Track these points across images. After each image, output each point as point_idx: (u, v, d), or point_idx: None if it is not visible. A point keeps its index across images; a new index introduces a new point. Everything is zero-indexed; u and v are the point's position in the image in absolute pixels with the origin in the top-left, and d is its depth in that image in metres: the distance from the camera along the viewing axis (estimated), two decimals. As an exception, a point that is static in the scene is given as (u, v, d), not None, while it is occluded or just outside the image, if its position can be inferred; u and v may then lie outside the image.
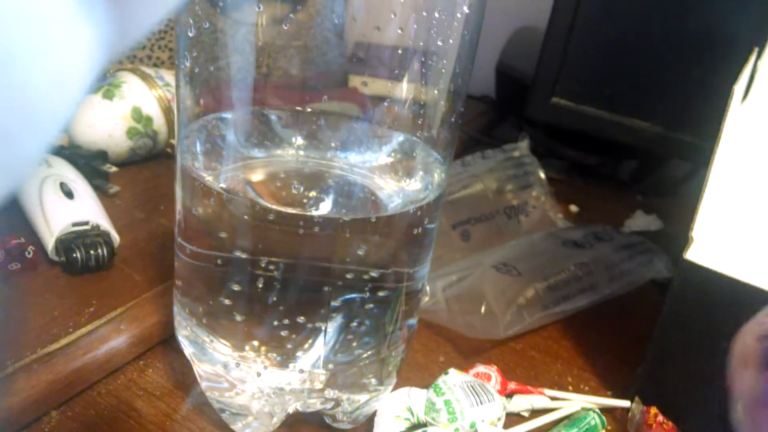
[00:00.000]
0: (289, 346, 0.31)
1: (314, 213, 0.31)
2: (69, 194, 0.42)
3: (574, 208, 0.65)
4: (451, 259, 0.47)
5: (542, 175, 0.58)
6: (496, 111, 0.80)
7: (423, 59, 0.30)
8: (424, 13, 0.27)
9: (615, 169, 0.75)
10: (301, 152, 0.35)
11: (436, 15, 0.27)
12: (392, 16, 0.28)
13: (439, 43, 0.29)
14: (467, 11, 0.27)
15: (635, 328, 0.48)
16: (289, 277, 0.31)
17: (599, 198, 0.70)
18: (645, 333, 0.39)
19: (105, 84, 0.53)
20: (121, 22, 0.13)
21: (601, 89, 0.60)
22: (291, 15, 0.31)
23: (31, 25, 0.11)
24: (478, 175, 0.53)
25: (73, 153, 0.49)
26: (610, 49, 0.59)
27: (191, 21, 0.28)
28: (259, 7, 0.28)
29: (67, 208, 0.42)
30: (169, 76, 0.56)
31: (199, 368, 0.34)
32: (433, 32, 0.28)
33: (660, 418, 0.37)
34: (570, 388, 0.42)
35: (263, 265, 0.30)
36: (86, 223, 0.41)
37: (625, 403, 0.40)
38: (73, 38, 0.12)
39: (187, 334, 0.34)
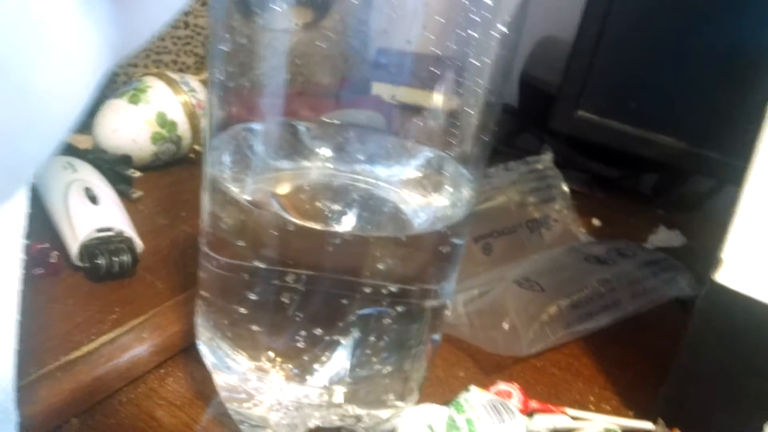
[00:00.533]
0: (309, 359, 0.31)
1: (338, 229, 0.31)
2: (94, 199, 0.42)
3: (596, 222, 0.64)
4: (473, 273, 0.47)
5: (565, 188, 0.58)
6: (518, 121, 0.79)
7: (457, 73, 0.29)
8: (463, 33, 0.27)
9: (636, 183, 0.74)
10: (329, 164, 0.35)
11: (474, 35, 0.27)
12: (427, 32, 0.28)
13: (474, 61, 0.28)
14: (505, 30, 0.27)
15: (657, 346, 0.47)
16: (312, 290, 0.30)
17: (621, 212, 0.69)
18: (667, 351, 0.39)
19: (131, 89, 0.53)
20: (125, 26, 0.13)
21: (626, 103, 0.59)
22: (318, 22, 0.31)
23: (34, 29, 0.11)
24: (500, 188, 0.53)
25: (97, 157, 0.49)
26: (637, 63, 0.59)
27: (226, 34, 0.28)
28: (296, 24, 0.28)
29: (92, 214, 0.42)
30: (194, 82, 0.56)
31: (219, 378, 0.34)
32: (470, 51, 0.28)
33: (684, 441, 0.36)
34: (591, 407, 0.41)
35: (287, 278, 0.30)
36: (110, 230, 0.41)
37: (648, 425, 0.39)
38: (77, 42, 0.12)
39: (208, 345, 0.33)
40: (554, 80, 0.64)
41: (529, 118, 0.78)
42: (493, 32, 0.27)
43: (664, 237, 0.63)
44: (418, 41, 0.29)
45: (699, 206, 0.72)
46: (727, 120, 0.56)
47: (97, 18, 0.12)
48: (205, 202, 0.32)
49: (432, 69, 0.30)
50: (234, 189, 0.31)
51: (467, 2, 0.28)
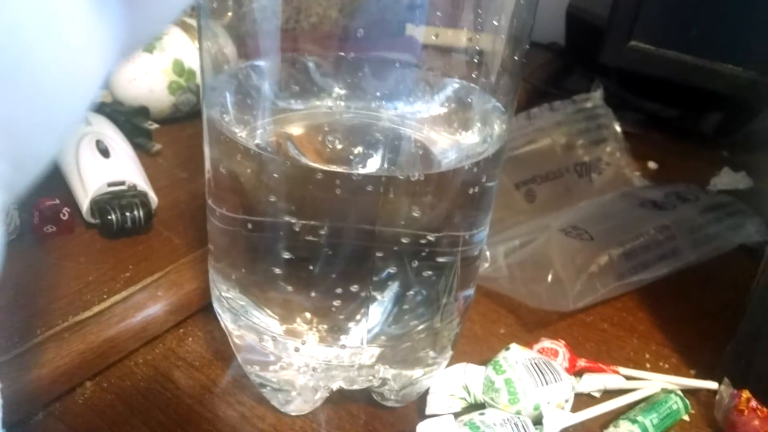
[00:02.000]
0: (335, 317, 0.29)
1: (361, 171, 0.27)
2: (105, 152, 0.40)
3: (652, 165, 0.59)
4: (514, 222, 0.43)
5: (618, 128, 0.53)
6: (565, 59, 0.74)
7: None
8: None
9: (697, 123, 0.68)
10: (343, 103, 0.31)
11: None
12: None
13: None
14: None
15: (722, 299, 0.43)
16: (332, 241, 0.27)
17: (680, 154, 0.63)
18: (733, 305, 0.35)
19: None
20: (134, 20, 0.13)
21: (685, 30, 0.53)
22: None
23: (47, 24, 0.11)
24: (545, 129, 0.49)
25: (113, 110, 0.47)
26: (698, -16, 0.53)
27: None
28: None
29: (103, 167, 0.39)
30: (214, 26, 0.53)
31: (237, 340, 0.31)
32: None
33: (753, 403, 0.32)
34: (647, 366, 0.37)
35: (303, 229, 0.27)
36: (122, 183, 0.39)
37: (712, 385, 0.35)
38: (88, 37, 0.12)
39: (223, 303, 0.31)
40: (604, 12, 0.58)
41: (578, 57, 0.72)
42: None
43: (728, 179, 0.57)
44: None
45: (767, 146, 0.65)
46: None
47: (107, 15, 0.12)
48: (206, 150, 0.29)
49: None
50: (239, 133, 0.28)
51: None
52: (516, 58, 0.28)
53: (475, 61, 0.28)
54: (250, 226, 0.28)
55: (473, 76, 0.29)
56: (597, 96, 0.53)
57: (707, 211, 0.46)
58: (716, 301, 0.43)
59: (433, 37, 0.27)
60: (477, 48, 0.28)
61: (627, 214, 0.44)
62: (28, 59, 0.11)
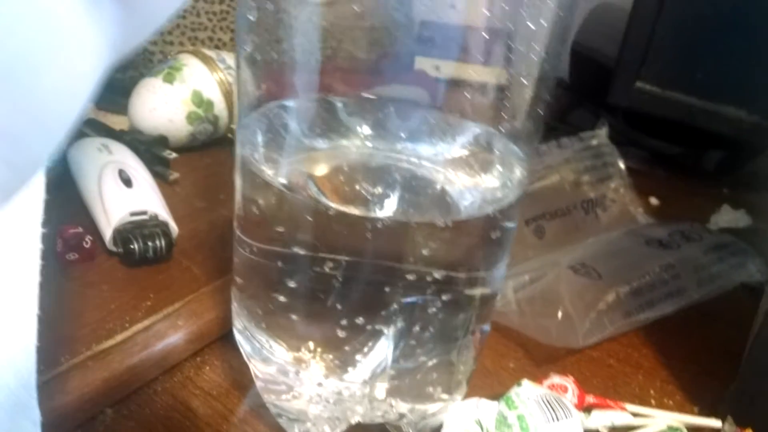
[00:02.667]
0: (349, 350, 0.29)
1: (379, 215, 0.28)
2: (128, 182, 0.41)
3: (654, 201, 0.61)
4: (524, 258, 0.44)
5: (622, 165, 0.54)
6: (570, 95, 0.75)
7: (507, 41, 0.26)
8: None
9: (699, 160, 0.70)
10: (368, 143, 0.32)
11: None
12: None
13: (530, 24, 0.25)
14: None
15: (724, 336, 0.43)
16: (351, 276, 0.28)
17: (682, 191, 0.65)
18: (735, 342, 0.36)
19: (166, 67, 0.52)
20: (127, 22, 0.13)
21: (691, 73, 0.55)
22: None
23: (39, 27, 0.11)
24: (553, 166, 0.50)
25: (133, 138, 0.48)
26: (704, 29, 0.54)
27: (253, 2, 0.26)
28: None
29: (126, 197, 0.40)
30: (230, 59, 0.54)
31: (256, 369, 0.32)
32: (523, 12, 0.25)
33: (758, 442, 0.33)
34: (653, 402, 0.38)
35: (325, 264, 0.28)
36: (144, 213, 0.40)
37: (716, 423, 0.36)
38: (81, 39, 0.12)
39: (244, 333, 0.32)
40: (610, 51, 0.60)
41: (583, 92, 0.73)
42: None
43: (728, 217, 0.59)
44: (464, 5, 0.26)
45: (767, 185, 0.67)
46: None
47: (100, 17, 0.12)
48: (238, 184, 0.30)
49: (480, 38, 0.27)
50: (267, 171, 0.29)
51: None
52: (539, 103, 0.29)
53: (501, 103, 0.29)
54: (278, 258, 0.29)
55: (497, 119, 0.30)
56: (602, 134, 0.55)
57: (711, 250, 0.47)
58: (719, 339, 0.43)
59: (438, 70, 0.28)
60: (504, 91, 0.29)
61: (633, 253, 0.45)
62: (21, 61, 0.11)
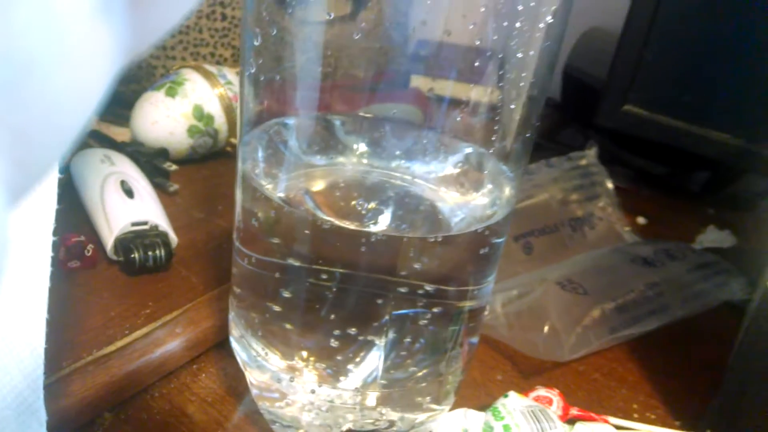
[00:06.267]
0: (342, 359, 0.30)
1: (373, 229, 0.30)
2: (129, 193, 0.42)
3: (641, 220, 0.62)
4: (512, 273, 0.45)
5: (610, 185, 0.55)
6: (561, 114, 0.77)
7: (499, 66, 0.28)
8: (505, 23, 0.26)
9: (686, 180, 0.72)
10: (364, 160, 0.34)
11: (518, 24, 0.26)
12: (468, 23, 0.26)
13: (519, 53, 0.27)
14: (551, 20, 0.26)
15: (706, 353, 0.45)
16: (345, 288, 0.30)
17: (668, 210, 0.66)
18: (717, 359, 0.37)
19: (168, 81, 0.53)
20: (138, 26, 0.13)
21: (678, 97, 0.56)
22: (357, 14, 0.30)
23: (50, 30, 0.11)
24: (542, 185, 0.51)
25: (135, 150, 0.49)
26: (690, 54, 0.56)
27: (257, 26, 0.28)
28: (330, 15, 0.27)
29: (127, 207, 0.42)
30: (231, 75, 0.55)
31: (251, 376, 0.33)
32: (513, 41, 0.26)
33: (736, 456, 0.34)
34: (635, 416, 0.39)
35: (320, 276, 0.29)
36: (145, 223, 0.41)
37: (697, 437, 0.37)
38: (92, 43, 0.12)
39: (240, 342, 0.33)
40: (600, 73, 0.61)
41: (573, 113, 0.75)
42: (538, 21, 0.26)
43: (713, 237, 0.60)
44: (458, 32, 0.28)
45: (752, 206, 0.68)
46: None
47: (112, 18, 0.12)
48: (238, 197, 0.32)
49: (473, 61, 0.28)
50: (266, 185, 0.30)
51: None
52: (529, 125, 0.30)
53: (492, 124, 0.31)
54: (276, 273, 0.30)
55: (488, 140, 0.31)
56: (592, 154, 0.56)
57: (695, 269, 0.48)
58: (702, 355, 0.45)
59: (435, 90, 0.30)
60: (494, 112, 0.30)
61: (619, 270, 0.46)
62: (33, 63, 0.11)
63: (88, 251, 0.39)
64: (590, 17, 0.74)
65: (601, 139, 0.64)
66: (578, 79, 0.71)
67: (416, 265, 0.29)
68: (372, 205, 0.32)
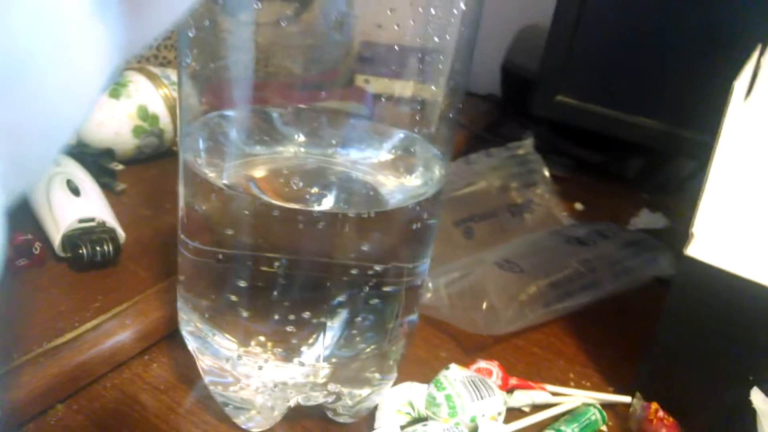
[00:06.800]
0: (292, 341, 0.32)
1: (316, 208, 0.31)
2: (76, 191, 0.43)
3: (579, 206, 0.65)
4: (454, 257, 0.47)
5: (546, 173, 0.58)
6: (502, 109, 0.80)
7: (421, 56, 0.30)
8: (420, 10, 0.28)
9: (621, 167, 0.75)
10: (303, 149, 0.35)
11: (433, 12, 0.28)
12: (388, 12, 0.28)
13: (436, 39, 0.29)
14: (464, 8, 0.28)
15: (638, 325, 0.47)
16: (291, 272, 0.31)
17: (605, 196, 0.69)
18: (648, 330, 0.39)
19: (112, 83, 0.54)
20: (134, 25, 0.13)
21: (606, 87, 0.60)
22: (292, 14, 0.32)
23: (47, 29, 0.11)
24: (481, 173, 0.54)
25: (80, 151, 0.50)
26: (616, 46, 0.59)
27: (191, 20, 0.29)
28: (258, 5, 0.28)
29: (74, 205, 0.42)
30: (175, 76, 0.56)
31: (203, 363, 0.34)
32: (430, 29, 0.28)
33: (661, 413, 0.37)
34: (572, 384, 0.42)
35: (265, 261, 0.31)
36: (92, 220, 0.41)
37: (627, 399, 0.40)
38: (88, 41, 0.12)
39: (190, 329, 0.34)
40: (535, 68, 0.64)
41: (513, 106, 0.78)
42: (452, 8, 0.28)
43: (646, 219, 0.63)
44: (387, 24, 0.30)
45: (682, 188, 0.72)
46: (707, 101, 0.56)
47: (107, 18, 0.12)
48: (181, 188, 0.33)
49: (400, 55, 0.30)
50: (210, 174, 0.31)
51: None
52: (452, 110, 0.32)
53: (418, 112, 0.33)
54: (220, 257, 0.31)
55: (416, 126, 0.33)
56: (528, 143, 0.59)
57: (625, 246, 0.51)
58: (632, 328, 0.47)
59: (369, 84, 0.31)
60: (419, 100, 0.32)
61: (554, 250, 0.49)
62: (28, 61, 0.11)
63: (36, 249, 0.40)
64: (525, 15, 0.77)
65: (540, 131, 0.67)
66: (516, 74, 0.73)
67: (357, 245, 0.31)
68: (315, 189, 0.33)
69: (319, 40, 0.33)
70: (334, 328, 0.32)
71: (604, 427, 0.38)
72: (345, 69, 0.34)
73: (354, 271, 0.31)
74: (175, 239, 0.34)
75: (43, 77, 0.11)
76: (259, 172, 0.34)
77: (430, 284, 0.44)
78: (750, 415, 0.34)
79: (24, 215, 0.44)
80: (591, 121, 0.60)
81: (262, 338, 0.32)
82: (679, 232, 0.61)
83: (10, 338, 0.35)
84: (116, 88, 0.53)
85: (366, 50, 0.32)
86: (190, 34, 0.29)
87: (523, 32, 0.76)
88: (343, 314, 0.32)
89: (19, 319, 0.37)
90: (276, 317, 0.31)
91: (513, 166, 0.56)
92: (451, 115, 0.32)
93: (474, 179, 0.53)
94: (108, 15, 0.12)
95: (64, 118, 0.12)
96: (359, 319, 0.32)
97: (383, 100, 0.32)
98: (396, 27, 0.28)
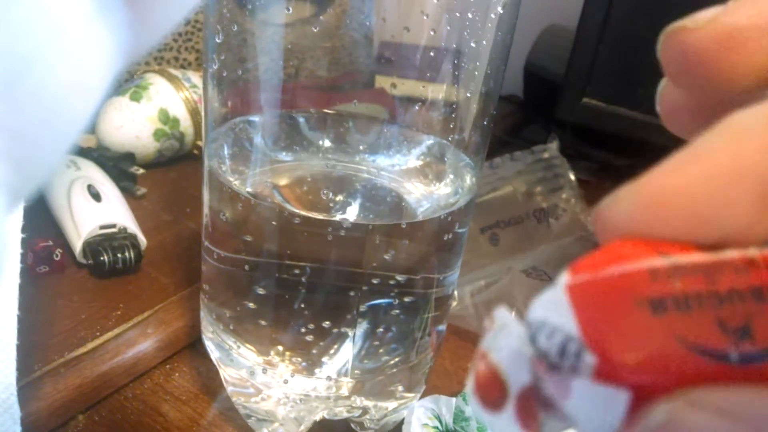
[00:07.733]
0: (315, 352, 0.31)
1: (341, 218, 0.30)
2: (96, 197, 0.42)
3: (604, 211, 0.64)
4: (479, 264, 0.46)
5: (572, 177, 0.57)
6: (524, 111, 0.79)
7: (455, 60, 0.29)
8: (457, 14, 0.27)
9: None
10: (329, 155, 0.34)
11: (470, 15, 0.27)
12: (424, 17, 0.27)
13: (472, 44, 0.28)
14: (501, 11, 0.27)
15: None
16: (316, 281, 0.30)
17: (630, 200, 0.68)
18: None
19: (132, 86, 0.53)
20: (137, 26, 0.13)
21: (634, 89, 0.58)
22: (319, 16, 0.31)
23: (49, 31, 0.11)
24: (507, 178, 0.52)
25: (100, 155, 0.49)
26: (644, 48, 0.58)
27: (219, 25, 0.28)
28: (288, 9, 0.28)
29: (95, 211, 0.42)
30: (195, 78, 0.56)
31: (225, 373, 0.34)
32: (465, 33, 0.27)
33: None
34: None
35: (290, 270, 0.30)
36: (113, 226, 0.41)
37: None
38: (91, 43, 0.12)
39: (213, 339, 0.33)
40: (559, 69, 0.63)
41: (536, 109, 0.77)
42: (489, 12, 0.27)
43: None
44: (417, 27, 0.29)
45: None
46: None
47: (111, 20, 0.12)
48: (206, 195, 0.32)
49: (431, 58, 0.29)
50: (234, 182, 0.31)
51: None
52: (486, 116, 0.31)
53: (449, 118, 0.32)
54: (246, 267, 0.31)
55: (447, 133, 0.32)
56: (553, 147, 0.58)
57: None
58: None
59: (395, 88, 0.31)
60: (451, 105, 0.31)
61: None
62: (31, 64, 0.11)
63: (57, 256, 0.39)
64: (548, 15, 0.76)
65: (563, 134, 0.65)
66: (539, 75, 0.72)
67: (384, 255, 0.30)
68: (340, 197, 0.32)
69: (341, 42, 0.32)
70: (358, 339, 0.31)
71: None
72: (366, 71, 0.33)
73: (380, 281, 0.30)
74: (196, 245, 0.34)
75: (45, 80, 0.11)
76: (283, 180, 0.33)
77: (455, 293, 0.43)
78: None
79: (45, 221, 0.43)
80: (618, 124, 0.59)
81: (284, 349, 0.31)
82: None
83: (31, 348, 0.35)
84: (137, 91, 0.52)
85: (387, 51, 0.31)
86: (218, 40, 0.28)
87: (546, 33, 0.75)
88: (368, 325, 0.31)
89: (40, 327, 0.36)
90: (299, 327, 0.30)
91: (538, 171, 0.55)
92: (485, 122, 0.30)
93: (499, 184, 0.52)
94: (110, 17, 0.12)
95: (68, 120, 0.12)
96: (385, 330, 0.31)
97: (412, 104, 0.31)
98: (431, 32, 0.27)
